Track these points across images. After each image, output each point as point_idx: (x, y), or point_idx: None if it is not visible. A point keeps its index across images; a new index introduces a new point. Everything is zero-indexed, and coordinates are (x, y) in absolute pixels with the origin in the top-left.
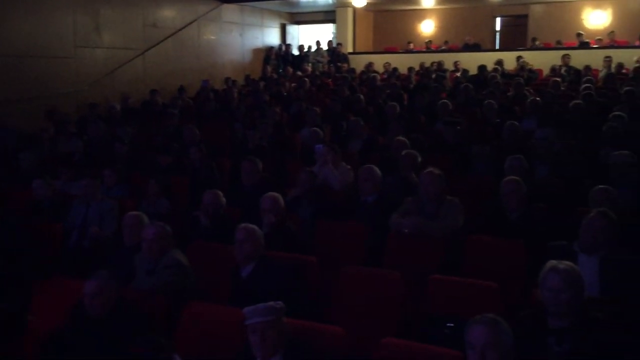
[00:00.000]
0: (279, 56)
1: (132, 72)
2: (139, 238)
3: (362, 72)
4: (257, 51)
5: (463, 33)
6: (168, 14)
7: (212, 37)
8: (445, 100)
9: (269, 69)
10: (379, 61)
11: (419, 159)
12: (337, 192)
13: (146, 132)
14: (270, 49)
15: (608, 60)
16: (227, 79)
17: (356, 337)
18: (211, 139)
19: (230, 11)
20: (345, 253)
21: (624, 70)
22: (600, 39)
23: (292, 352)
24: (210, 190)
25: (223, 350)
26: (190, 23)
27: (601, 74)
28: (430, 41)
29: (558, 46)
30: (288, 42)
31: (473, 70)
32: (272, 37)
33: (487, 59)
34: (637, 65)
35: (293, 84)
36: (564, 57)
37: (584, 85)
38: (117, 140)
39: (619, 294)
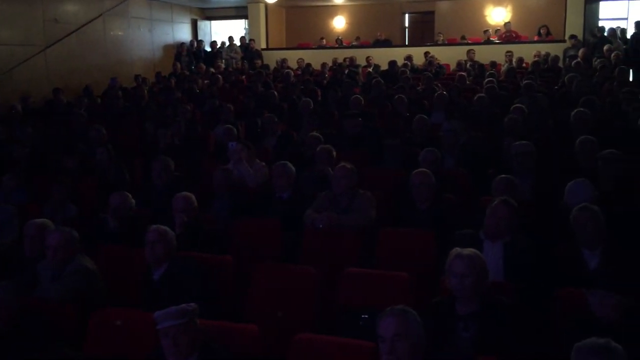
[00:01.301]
0: (191, 52)
1: (32, 70)
2: (41, 247)
3: (276, 69)
4: (167, 47)
5: (374, 29)
6: (70, 9)
7: (120, 33)
8: (357, 95)
9: (178, 65)
10: (292, 57)
11: (334, 154)
12: (252, 190)
13: (50, 133)
14: (181, 45)
15: (509, 55)
16: (136, 77)
17: (272, 335)
18: (120, 139)
19: (137, 6)
20: (261, 250)
21: (524, 65)
22: (498, 30)
23: (206, 353)
24: (117, 191)
25: (136, 357)
26: (95, 18)
27: (503, 68)
28: (339, 39)
29: (463, 42)
30: (200, 38)
31: (384, 66)
32: (183, 33)
33: (398, 54)
34: (535, 59)
35: (206, 81)
36: (469, 52)
37: (487, 79)
38: (16, 142)
39: (521, 278)
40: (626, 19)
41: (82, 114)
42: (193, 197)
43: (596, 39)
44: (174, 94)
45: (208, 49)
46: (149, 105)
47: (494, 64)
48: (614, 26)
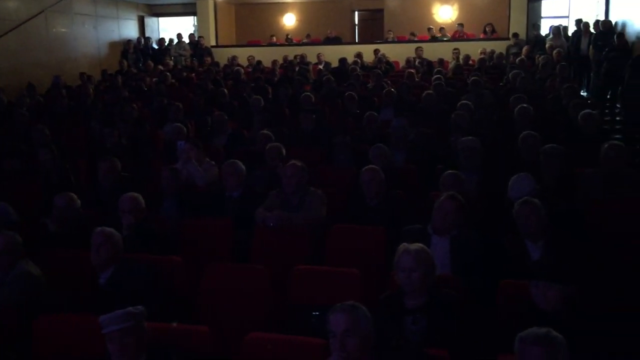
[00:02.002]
0: (138, 50)
1: None
2: None
3: (226, 66)
4: (113, 45)
5: (324, 26)
6: (10, 5)
7: (63, 30)
8: (308, 93)
9: (125, 63)
10: (242, 54)
11: (284, 152)
12: (202, 189)
13: None
14: (128, 42)
15: (456, 52)
16: (81, 75)
17: (223, 335)
18: (65, 139)
19: (81, 2)
20: (211, 250)
21: (470, 62)
22: (443, 28)
23: (154, 356)
24: (61, 193)
25: None
26: (37, 15)
27: (451, 66)
28: (290, 37)
29: (412, 39)
30: (147, 35)
31: (335, 63)
32: (129, 30)
33: (348, 51)
34: (481, 56)
35: (154, 79)
36: (417, 49)
37: (435, 77)
38: None
39: (468, 272)
40: (567, 17)
41: (24, 114)
42: (140, 197)
43: (536, 37)
44: (121, 92)
45: (156, 46)
46: (94, 103)
47: (441, 62)
48: (556, 24)
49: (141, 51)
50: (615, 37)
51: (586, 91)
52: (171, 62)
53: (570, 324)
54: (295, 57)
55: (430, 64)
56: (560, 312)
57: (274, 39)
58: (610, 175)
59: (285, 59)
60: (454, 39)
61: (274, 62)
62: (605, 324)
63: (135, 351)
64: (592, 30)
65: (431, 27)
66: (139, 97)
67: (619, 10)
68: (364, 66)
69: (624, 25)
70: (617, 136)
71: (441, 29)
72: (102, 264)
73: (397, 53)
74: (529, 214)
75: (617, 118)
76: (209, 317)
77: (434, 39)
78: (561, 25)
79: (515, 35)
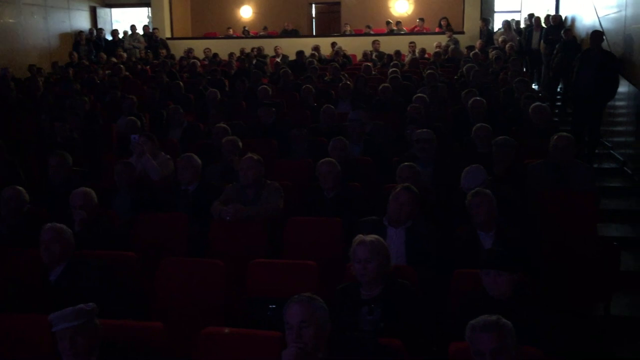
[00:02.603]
0: (90, 41)
1: None
2: None
3: (182, 58)
4: (64, 36)
5: (281, 19)
6: None
7: (10, 21)
8: (265, 86)
9: (77, 55)
10: (198, 47)
11: (240, 145)
12: (157, 183)
13: None
14: (79, 33)
15: (412, 45)
16: (30, 67)
17: (179, 330)
18: (13, 133)
19: None
20: (166, 245)
21: (426, 55)
22: (399, 22)
23: (107, 354)
24: (8, 187)
25: None
26: None
27: (407, 59)
28: (247, 29)
29: (368, 32)
30: (100, 26)
31: (292, 56)
32: (81, 21)
33: (305, 44)
34: (437, 50)
35: (107, 71)
36: (374, 43)
37: (391, 70)
38: None
39: (423, 262)
40: (519, 11)
41: None
42: (92, 192)
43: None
44: (73, 85)
45: (109, 37)
46: (44, 96)
47: (398, 54)
48: (509, 19)
49: (93, 43)
50: (564, 31)
51: (537, 84)
52: (125, 55)
53: (518, 310)
54: (252, 49)
55: (390, 57)
56: (510, 299)
57: (231, 31)
58: (559, 166)
59: (242, 51)
60: (410, 32)
61: (231, 54)
62: (552, 310)
63: (87, 350)
64: (543, 25)
65: (390, 20)
66: (92, 90)
67: (568, 6)
68: (321, 59)
69: (573, 20)
70: (566, 128)
71: (397, 23)
72: (53, 261)
73: (354, 46)
74: (480, 204)
75: (568, 110)
76: (165, 312)
77: (390, 33)
78: (514, 19)
79: (450, 29)
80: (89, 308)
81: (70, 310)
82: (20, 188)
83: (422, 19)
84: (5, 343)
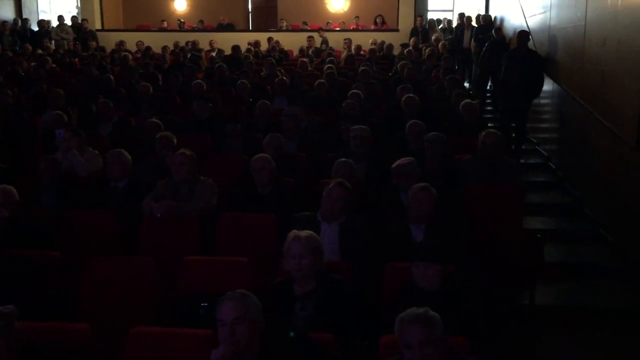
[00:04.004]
0: (15, 32)
1: None
2: None
3: (113, 51)
4: None
5: (217, 13)
6: None
7: None
8: (199, 80)
9: (0, 46)
10: (131, 40)
11: (175, 141)
12: (84, 180)
13: None
14: (3, 23)
15: (347, 42)
16: None
17: (108, 331)
18: None
19: None
20: (94, 243)
21: (361, 52)
22: (343, 22)
23: (29, 358)
24: None
25: None
26: None
27: (342, 55)
28: (182, 21)
29: (305, 28)
30: (25, 16)
31: (228, 50)
32: (4, 10)
33: (241, 39)
34: (372, 47)
35: (32, 63)
36: (309, 39)
37: (327, 66)
38: None
39: (356, 256)
40: (452, 10)
41: None
42: (14, 190)
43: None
44: None
45: (35, 28)
46: None
47: (332, 50)
48: (440, 17)
49: (18, 33)
50: (493, 31)
51: (468, 82)
52: (52, 46)
53: (447, 302)
54: (187, 43)
55: (330, 53)
56: (439, 291)
57: (165, 24)
58: (488, 161)
59: (176, 45)
60: (347, 29)
61: (165, 48)
62: (479, 300)
63: (7, 353)
64: (474, 24)
65: (329, 22)
66: (16, 82)
67: (497, 6)
68: (257, 54)
69: (502, 20)
70: (495, 125)
71: (327, 23)
72: None
73: (291, 42)
74: (425, 199)
75: (497, 107)
76: (92, 313)
77: (326, 29)
78: (445, 18)
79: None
80: (7, 310)
81: None
82: None
83: (357, 17)
84: None
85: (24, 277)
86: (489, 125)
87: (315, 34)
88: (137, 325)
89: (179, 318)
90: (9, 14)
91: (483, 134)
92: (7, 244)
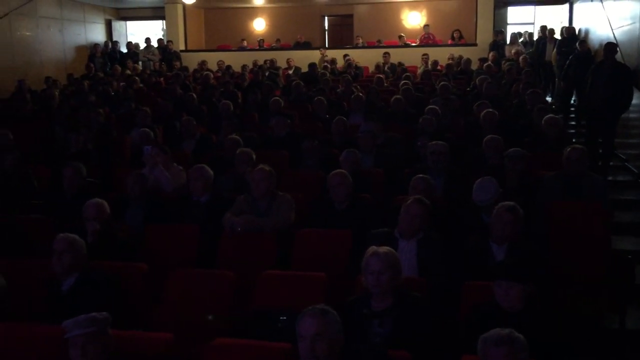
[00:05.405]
0: (106, 54)
1: None
2: None
3: (195, 70)
4: (80, 49)
5: (294, 31)
6: None
7: (28, 34)
8: (277, 98)
9: (92, 67)
10: (212, 59)
11: (254, 157)
12: (169, 194)
13: None
14: (95, 46)
15: (425, 57)
16: (47, 79)
17: (188, 341)
18: (27, 144)
19: (47, 5)
20: (177, 256)
21: (438, 67)
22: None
23: None
24: None
25: None
26: (1, 18)
27: (419, 71)
28: (262, 39)
29: (380, 45)
30: (115, 39)
31: (304, 68)
32: (96, 34)
33: (317, 56)
34: (449, 62)
35: (122, 83)
36: (385, 55)
37: (403, 82)
38: None
39: (434, 274)
40: (532, 23)
41: None
42: (105, 203)
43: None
44: (87, 97)
45: (124, 50)
46: (60, 108)
47: (403, 68)
48: (521, 31)
49: (108, 55)
50: (578, 43)
51: (551, 96)
52: (139, 67)
53: (530, 323)
54: (265, 61)
55: (403, 69)
56: (521, 312)
57: (245, 43)
58: (572, 178)
59: (254, 63)
60: (422, 43)
61: (244, 66)
62: (565, 323)
63: (98, 358)
64: (556, 36)
65: (402, 35)
66: (106, 102)
67: (582, 18)
68: (333, 71)
69: (587, 32)
70: (580, 140)
71: (400, 37)
72: (65, 271)
73: (366, 58)
74: (511, 221)
75: (582, 122)
76: (173, 324)
77: (403, 45)
78: (527, 31)
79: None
80: (101, 317)
81: (83, 318)
82: None
83: (427, 25)
84: (16, 352)
85: (112, 288)
86: (572, 141)
87: (389, 50)
88: (215, 336)
89: (256, 331)
90: (100, 37)
91: (568, 149)
92: (96, 256)
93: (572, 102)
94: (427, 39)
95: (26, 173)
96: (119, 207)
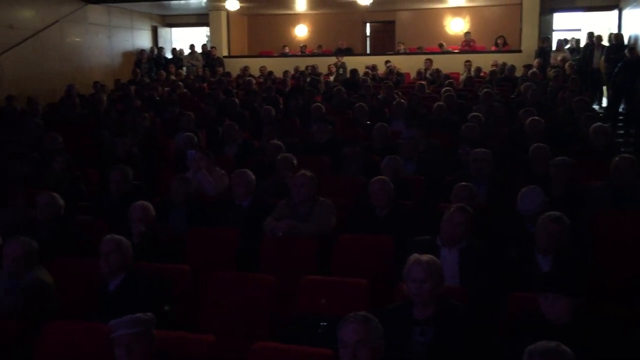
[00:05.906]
0: (151, 59)
1: None
2: None
3: (238, 76)
4: (127, 54)
5: (336, 38)
6: (26, 15)
7: (77, 39)
8: (318, 103)
9: (138, 72)
10: (254, 65)
11: (295, 162)
12: (212, 198)
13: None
14: (141, 52)
15: (468, 64)
16: (95, 83)
17: (230, 344)
18: (76, 148)
19: (96, 12)
20: (217, 259)
21: (481, 74)
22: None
23: None
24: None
25: None
26: (52, 24)
27: (462, 77)
28: (305, 45)
29: (421, 51)
30: (160, 45)
31: (346, 74)
32: (143, 40)
33: (359, 62)
34: (493, 68)
35: (166, 89)
36: (426, 61)
37: (445, 88)
38: None
39: (477, 283)
40: (579, 30)
41: (39, 122)
42: (150, 206)
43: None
44: (134, 102)
45: (169, 56)
46: (107, 112)
47: (443, 74)
48: (568, 37)
49: (154, 61)
50: (627, 50)
51: (598, 104)
52: (183, 72)
53: (578, 336)
54: (306, 67)
55: (446, 76)
56: (568, 325)
57: (287, 49)
58: (620, 188)
59: (296, 69)
60: (463, 50)
61: (285, 72)
62: (611, 336)
63: (142, 358)
64: (604, 43)
65: (442, 43)
66: (151, 106)
67: (631, 24)
68: (375, 77)
69: (636, 39)
70: (629, 150)
71: (441, 45)
72: (111, 271)
73: (408, 65)
74: (557, 232)
75: (631, 131)
76: (215, 326)
77: (445, 52)
78: (573, 38)
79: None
80: (146, 317)
81: (128, 318)
82: (55, 194)
83: (468, 33)
84: (63, 350)
85: (156, 289)
86: (621, 150)
87: (431, 57)
88: (256, 340)
89: (297, 336)
90: (146, 43)
91: (617, 159)
92: (142, 257)
93: (620, 110)
94: (467, 45)
95: (75, 176)
96: (163, 210)
